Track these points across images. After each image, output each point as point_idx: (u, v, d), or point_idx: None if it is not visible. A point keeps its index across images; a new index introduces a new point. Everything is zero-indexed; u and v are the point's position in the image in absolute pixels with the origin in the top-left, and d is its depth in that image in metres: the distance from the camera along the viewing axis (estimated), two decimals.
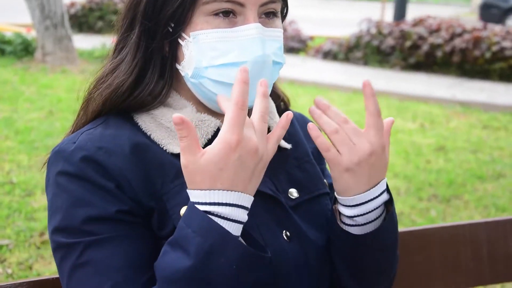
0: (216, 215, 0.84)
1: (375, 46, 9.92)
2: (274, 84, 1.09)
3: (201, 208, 0.84)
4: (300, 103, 7.43)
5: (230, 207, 0.84)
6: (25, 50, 8.71)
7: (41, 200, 3.85)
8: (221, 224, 0.83)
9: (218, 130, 1.01)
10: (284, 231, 1.01)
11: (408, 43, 9.57)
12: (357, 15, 11.98)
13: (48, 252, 3.22)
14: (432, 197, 4.43)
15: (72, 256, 0.91)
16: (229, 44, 0.94)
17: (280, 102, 1.17)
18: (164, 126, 1.00)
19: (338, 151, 0.95)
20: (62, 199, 0.93)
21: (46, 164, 1.00)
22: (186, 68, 0.98)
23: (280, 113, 1.13)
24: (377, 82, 8.66)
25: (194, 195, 0.85)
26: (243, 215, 0.86)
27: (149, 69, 0.99)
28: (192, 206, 0.85)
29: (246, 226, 0.93)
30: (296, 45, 11.04)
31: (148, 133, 0.99)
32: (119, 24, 1.02)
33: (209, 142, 1.00)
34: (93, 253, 0.90)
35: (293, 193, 1.06)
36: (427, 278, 1.44)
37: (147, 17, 0.97)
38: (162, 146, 0.98)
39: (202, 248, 0.82)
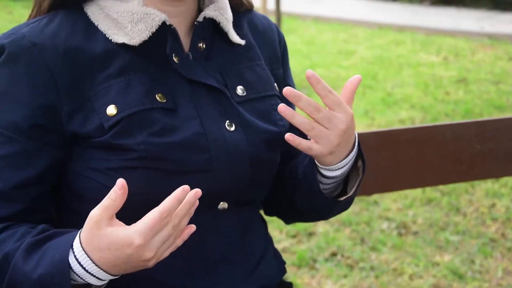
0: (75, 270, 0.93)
1: None
2: None
3: (71, 259, 0.92)
4: (323, 39, 7.30)
5: (90, 275, 0.93)
6: None
7: None
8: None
9: (163, 24, 1.04)
10: (227, 121, 1.06)
11: None
12: None
13: None
14: None
15: None
16: None
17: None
18: (111, 17, 1.04)
19: (317, 142, 1.01)
20: None
21: None
22: None
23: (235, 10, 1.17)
24: (404, 17, 8.47)
25: (77, 245, 0.92)
26: (95, 282, 0.94)
27: None
28: (68, 248, 0.93)
29: (189, 114, 1.01)
30: None
31: (96, 24, 1.04)
32: None
33: (153, 35, 1.03)
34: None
35: (240, 90, 1.10)
36: (395, 176, 1.50)
37: None
38: (108, 36, 1.03)
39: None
